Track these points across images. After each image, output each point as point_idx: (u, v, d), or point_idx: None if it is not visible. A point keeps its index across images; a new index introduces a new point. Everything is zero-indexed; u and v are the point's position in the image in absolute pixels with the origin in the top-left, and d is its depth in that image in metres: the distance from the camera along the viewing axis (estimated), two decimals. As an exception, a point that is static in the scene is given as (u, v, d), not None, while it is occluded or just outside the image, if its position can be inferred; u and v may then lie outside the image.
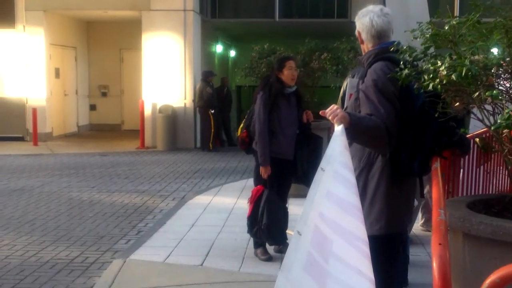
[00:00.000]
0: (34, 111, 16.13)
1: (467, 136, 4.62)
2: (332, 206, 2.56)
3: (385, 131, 3.31)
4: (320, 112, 3.24)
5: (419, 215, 6.66)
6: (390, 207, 3.52)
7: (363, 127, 3.26)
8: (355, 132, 3.19)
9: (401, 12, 4.81)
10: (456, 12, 15.10)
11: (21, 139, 17.03)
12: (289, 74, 5.96)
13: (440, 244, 1.82)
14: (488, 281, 1.62)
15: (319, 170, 2.67)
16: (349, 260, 2.41)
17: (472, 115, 3.44)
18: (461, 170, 5.21)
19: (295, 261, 2.45)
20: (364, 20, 3.68)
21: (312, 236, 2.48)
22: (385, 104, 3.37)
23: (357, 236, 2.47)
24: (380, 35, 3.65)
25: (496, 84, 3.18)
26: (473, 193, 5.29)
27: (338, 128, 2.94)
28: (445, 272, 1.68)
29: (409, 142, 3.44)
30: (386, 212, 3.52)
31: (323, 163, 2.68)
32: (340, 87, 6.81)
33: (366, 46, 3.71)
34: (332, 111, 3.09)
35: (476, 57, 3.14)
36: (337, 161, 2.67)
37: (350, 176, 2.64)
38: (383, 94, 3.40)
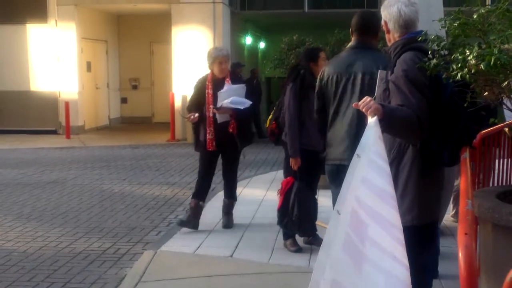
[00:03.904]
0: (67, 104, 16.34)
1: (499, 125, 4.57)
2: (368, 192, 2.63)
3: (417, 121, 3.30)
4: (353, 104, 3.23)
5: (450, 206, 6.59)
6: (421, 198, 3.51)
7: (396, 118, 3.25)
8: (388, 123, 3.17)
9: (423, 2, 4.77)
10: (488, 0, 14.87)
11: (54, 132, 17.26)
12: (322, 65, 5.93)
13: (466, 234, 1.81)
14: (514, 271, 1.61)
15: (355, 157, 2.74)
16: (384, 245, 2.48)
17: (504, 105, 3.41)
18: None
19: (335, 240, 2.58)
20: (391, 10, 3.66)
21: (350, 218, 2.57)
22: (416, 94, 3.36)
23: (392, 223, 2.53)
24: (408, 25, 3.63)
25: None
26: (503, 184, 5.23)
27: (372, 120, 2.96)
28: (471, 262, 1.67)
29: (439, 132, 3.43)
30: (417, 203, 3.51)
31: (359, 150, 2.75)
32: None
33: (393, 36, 3.68)
34: (365, 103, 3.08)
35: (506, 46, 3.10)
36: (372, 151, 2.73)
37: (384, 165, 2.69)
38: (414, 84, 3.39)
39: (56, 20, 16.99)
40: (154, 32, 19.91)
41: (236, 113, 6.58)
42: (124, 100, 20.85)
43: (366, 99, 3.12)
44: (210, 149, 6.71)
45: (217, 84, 6.68)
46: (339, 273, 2.54)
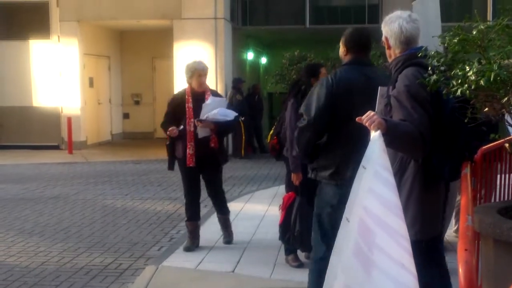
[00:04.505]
0: (69, 120, 16.38)
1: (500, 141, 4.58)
2: (374, 202, 2.68)
3: (419, 136, 3.31)
4: (356, 119, 3.24)
5: (452, 221, 6.58)
6: (423, 213, 3.52)
7: (399, 133, 3.26)
8: (391, 138, 3.17)
9: (422, 18, 4.80)
10: (489, 16, 14.91)
11: (56, 147, 17.29)
12: None
13: (466, 250, 1.82)
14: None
15: (360, 168, 2.79)
16: (392, 254, 2.53)
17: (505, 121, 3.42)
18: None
19: (345, 246, 2.66)
20: (392, 26, 3.68)
21: (358, 226, 2.63)
22: (418, 109, 3.37)
23: (399, 232, 2.58)
24: (409, 41, 3.65)
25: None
26: (505, 199, 5.22)
27: (376, 134, 2.98)
28: (471, 277, 1.68)
29: (440, 147, 3.44)
30: (420, 218, 3.52)
31: (364, 162, 2.79)
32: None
33: (393, 52, 3.70)
34: (368, 117, 3.09)
35: (506, 61, 3.11)
36: (377, 163, 2.76)
37: (389, 177, 2.73)
38: (416, 99, 3.40)
39: (58, 36, 17.08)
40: (156, 47, 20.00)
41: (217, 127, 6.49)
42: (126, 116, 20.91)
43: (370, 113, 3.13)
44: (190, 165, 6.52)
45: (197, 98, 6.54)
46: (350, 278, 2.61)
